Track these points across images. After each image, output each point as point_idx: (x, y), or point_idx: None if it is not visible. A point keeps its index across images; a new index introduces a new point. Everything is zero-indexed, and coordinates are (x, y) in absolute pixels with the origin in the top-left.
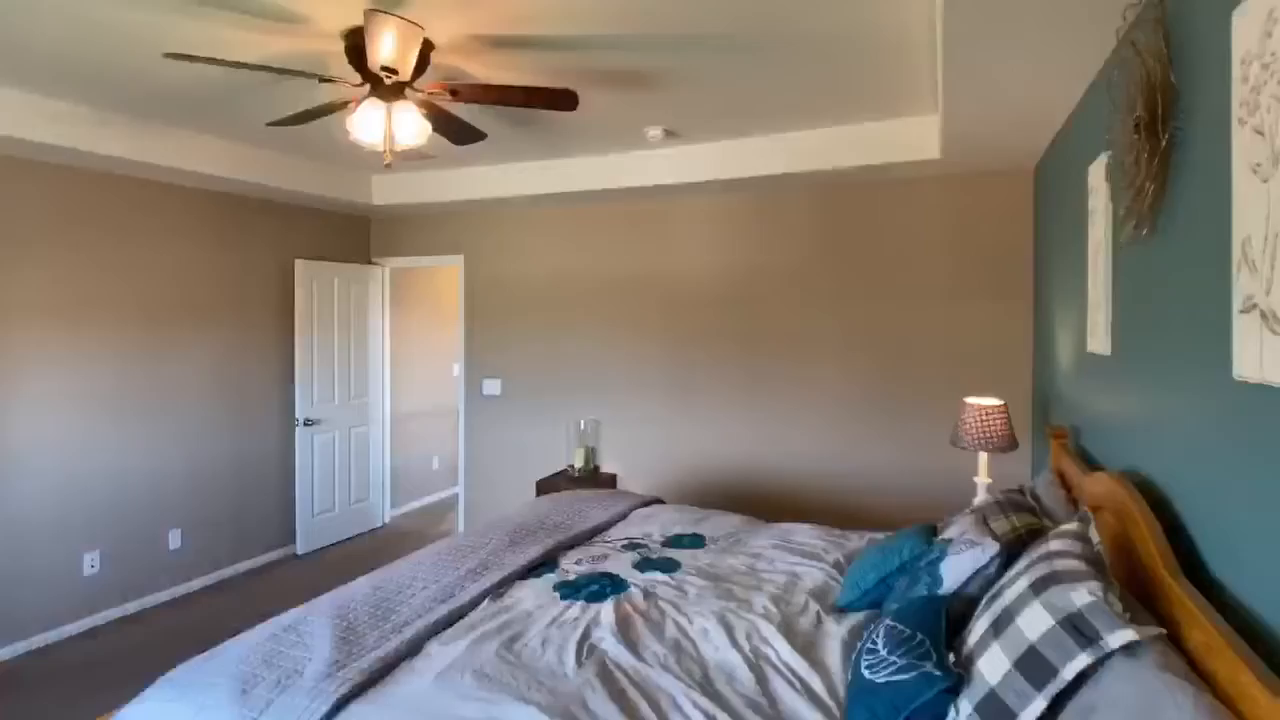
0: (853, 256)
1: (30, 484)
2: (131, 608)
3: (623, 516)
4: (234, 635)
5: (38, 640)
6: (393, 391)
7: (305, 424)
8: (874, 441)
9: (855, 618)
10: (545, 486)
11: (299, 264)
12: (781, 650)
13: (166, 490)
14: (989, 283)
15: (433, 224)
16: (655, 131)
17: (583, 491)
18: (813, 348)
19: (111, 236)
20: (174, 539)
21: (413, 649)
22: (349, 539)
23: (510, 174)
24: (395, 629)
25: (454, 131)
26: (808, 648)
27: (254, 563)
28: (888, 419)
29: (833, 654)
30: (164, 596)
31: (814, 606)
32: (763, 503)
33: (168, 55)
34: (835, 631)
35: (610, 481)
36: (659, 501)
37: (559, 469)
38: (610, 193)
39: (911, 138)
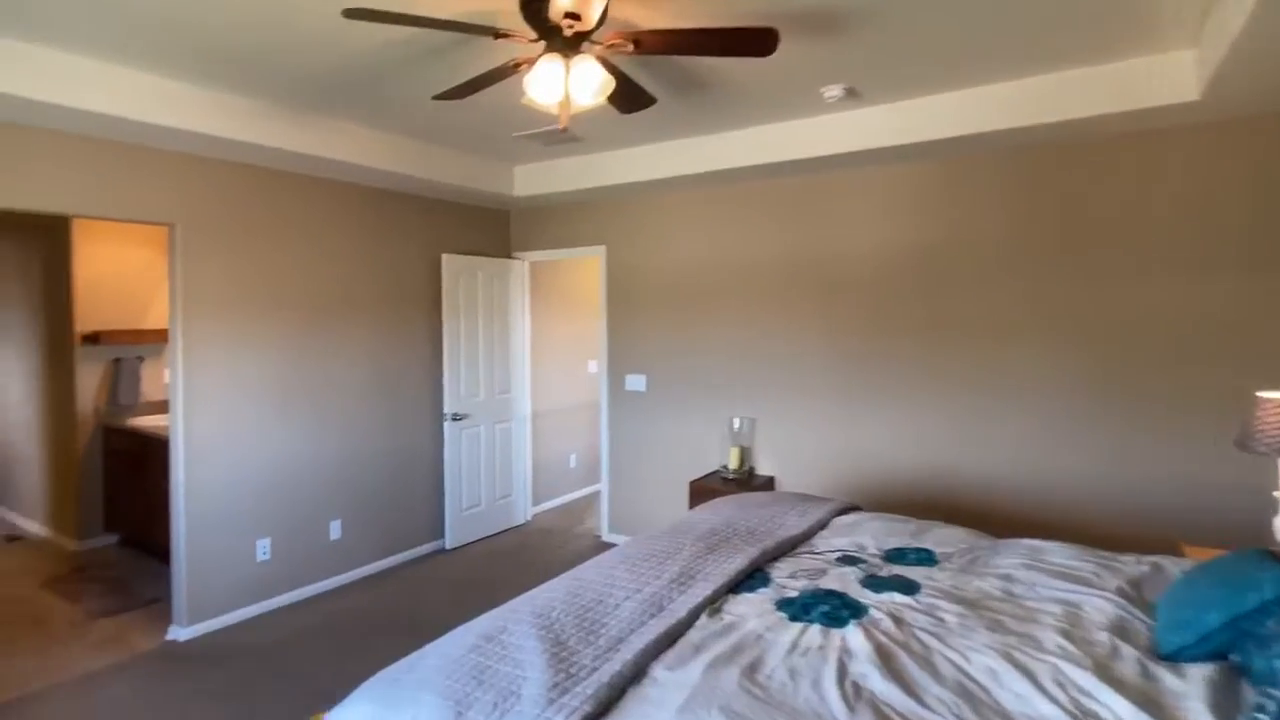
0: (1060, 228)
1: (212, 471)
2: (299, 595)
3: (822, 525)
4: (398, 630)
5: (217, 622)
6: (533, 387)
7: (454, 419)
8: (1096, 444)
9: (1203, 670)
10: (699, 489)
11: (446, 258)
12: (1117, 707)
13: (328, 481)
14: (1250, 252)
15: (573, 215)
16: (834, 91)
17: (758, 494)
18: (1011, 335)
19: (276, 232)
20: (335, 530)
21: (636, 672)
22: (493, 535)
23: (658, 155)
24: (610, 646)
25: (625, 96)
26: (1150, 705)
27: (406, 556)
28: (1116, 417)
29: (1195, 717)
30: (327, 585)
31: (1127, 649)
32: (952, 513)
33: (347, 13)
34: (1181, 687)
35: (768, 485)
36: (856, 508)
37: (710, 470)
38: (769, 168)
39: (1153, 80)
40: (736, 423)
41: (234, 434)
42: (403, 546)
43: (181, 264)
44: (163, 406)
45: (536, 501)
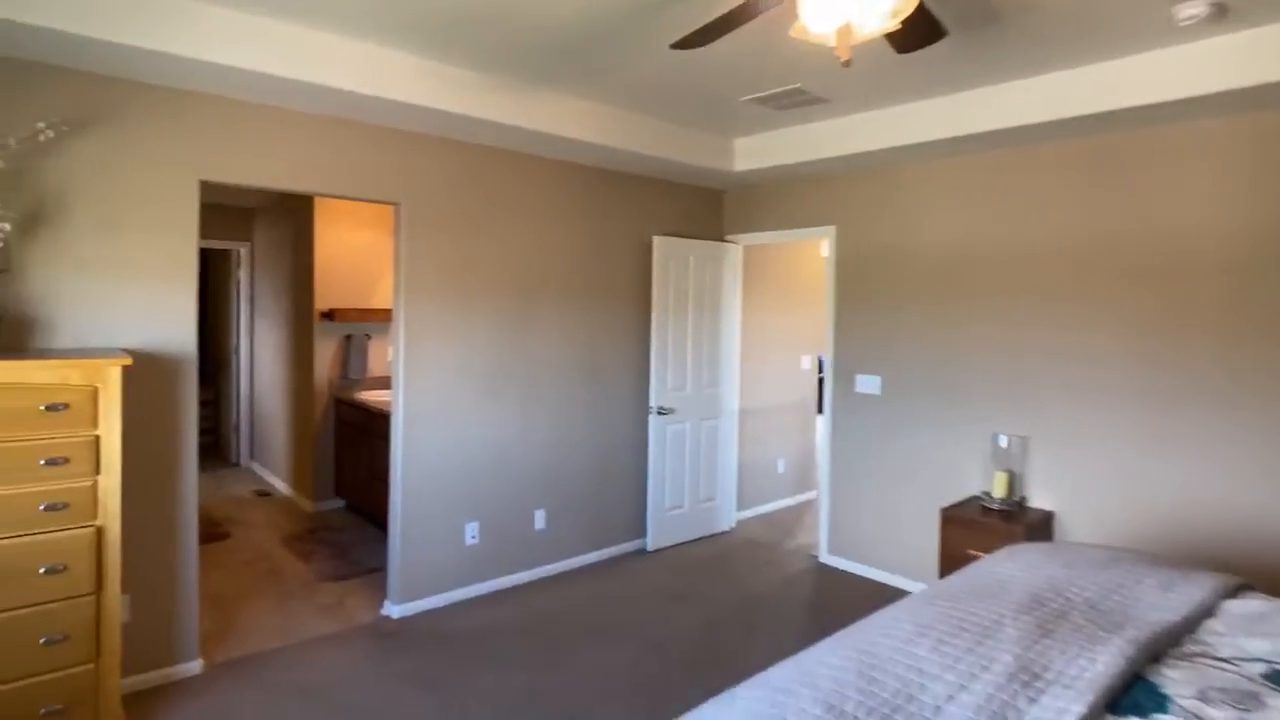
0: None
1: (428, 449)
2: (504, 583)
3: (1207, 611)
4: (602, 635)
5: (427, 603)
6: (741, 383)
7: (659, 412)
8: None
9: None
10: (956, 520)
11: (657, 240)
12: None
13: (533, 469)
14: None
15: (798, 192)
16: (1194, 8)
17: (1084, 548)
18: None
19: (491, 212)
20: (539, 519)
21: None
22: (696, 540)
23: (914, 116)
24: None
25: (914, 25)
26: None
27: (607, 553)
28: None
29: None
30: (530, 576)
31: None
32: None
33: None
34: None
35: (1044, 521)
36: (1248, 588)
37: (965, 496)
38: (1070, 125)
39: None
40: (1004, 441)
41: (448, 414)
42: (604, 543)
43: (406, 242)
44: (385, 382)
45: (741, 507)
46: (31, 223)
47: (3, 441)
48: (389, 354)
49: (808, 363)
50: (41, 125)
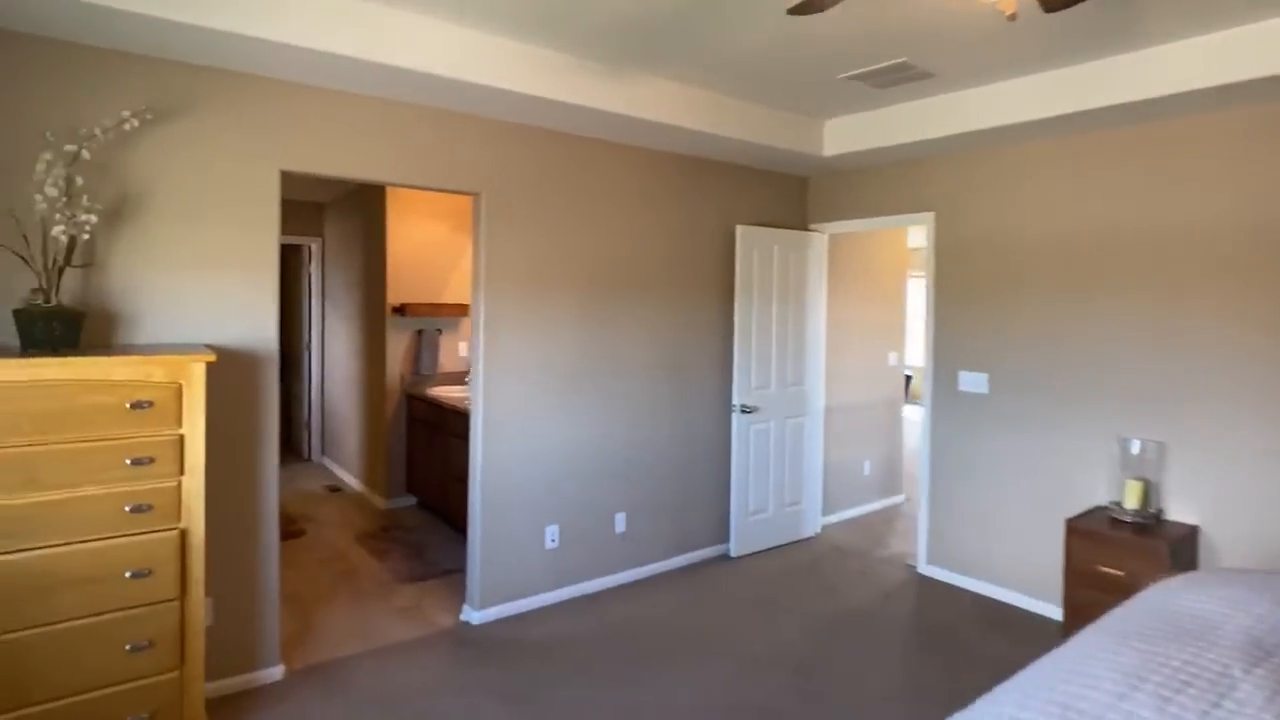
0: None
1: (507, 448)
2: (584, 589)
3: None
4: (688, 648)
5: (508, 608)
6: (825, 380)
7: (742, 411)
8: None
9: None
10: (1082, 532)
11: (740, 230)
12: None
13: (614, 470)
14: None
15: (892, 176)
16: None
17: None
18: None
19: (571, 203)
20: (620, 523)
21: None
22: (780, 546)
23: (1034, 89)
24: None
25: None
26: None
27: (689, 559)
28: None
29: None
30: (610, 582)
31: None
32: None
33: None
34: None
35: (1187, 537)
36: None
37: (1090, 505)
38: (1232, 91)
39: None
40: (1136, 446)
41: (528, 413)
42: (686, 548)
43: (485, 234)
44: (456, 378)
45: (825, 511)
46: (115, 216)
47: (90, 440)
48: (460, 349)
49: (894, 359)
50: (126, 114)
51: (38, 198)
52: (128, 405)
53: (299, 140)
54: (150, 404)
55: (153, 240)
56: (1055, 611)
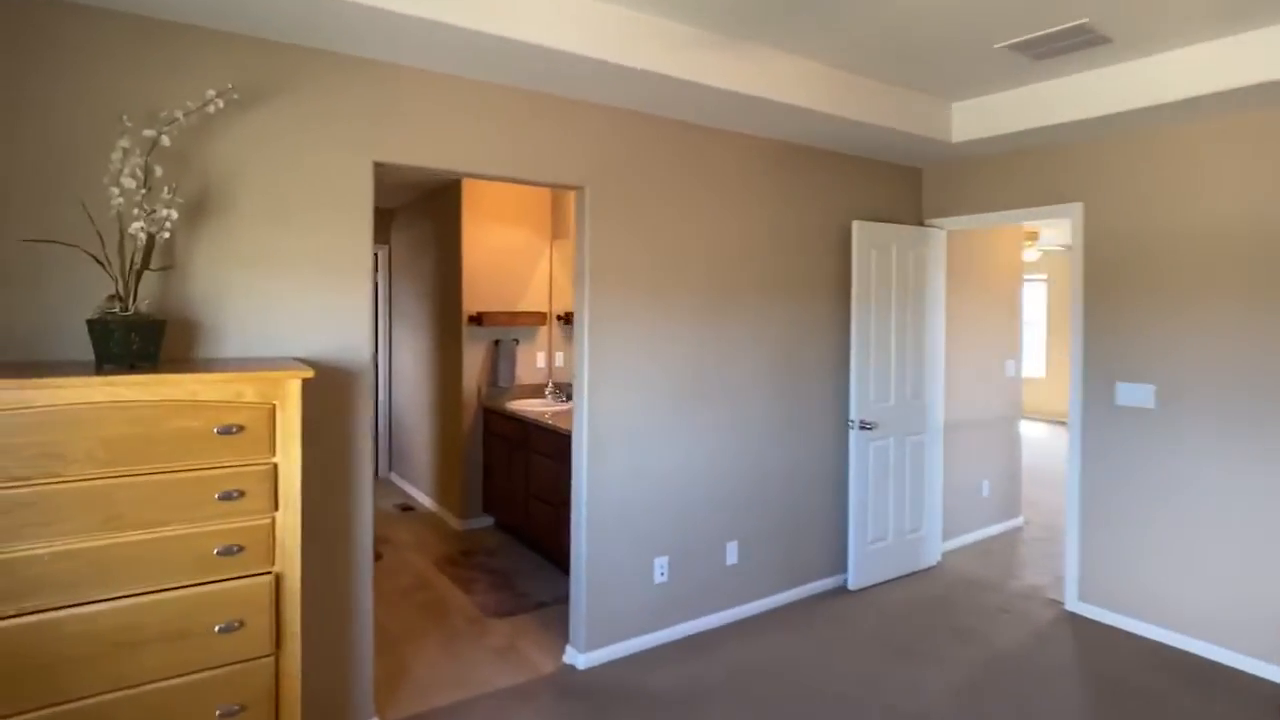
0: None
1: (612, 471)
2: (695, 626)
3: None
4: (815, 699)
5: (616, 650)
6: (946, 392)
7: (861, 427)
8: None
9: None
10: None
11: (857, 226)
12: None
13: (725, 494)
14: None
15: (1027, 164)
16: None
17: None
18: None
19: (679, 198)
20: (731, 553)
21: None
22: (902, 578)
23: (1220, 55)
24: None
25: None
26: None
27: (805, 591)
28: None
29: None
30: (723, 618)
31: None
32: None
33: None
34: None
35: None
36: None
37: None
38: None
39: None
40: None
41: (634, 430)
42: (801, 579)
43: (590, 232)
44: (535, 390)
45: (943, 537)
46: (196, 212)
47: (177, 471)
48: (538, 360)
49: (1011, 367)
50: (211, 94)
51: (114, 190)
52: (215, 430)
53: (394, 128)
54: (240, 429)
55: (236, 240)
56: (1277, 674)
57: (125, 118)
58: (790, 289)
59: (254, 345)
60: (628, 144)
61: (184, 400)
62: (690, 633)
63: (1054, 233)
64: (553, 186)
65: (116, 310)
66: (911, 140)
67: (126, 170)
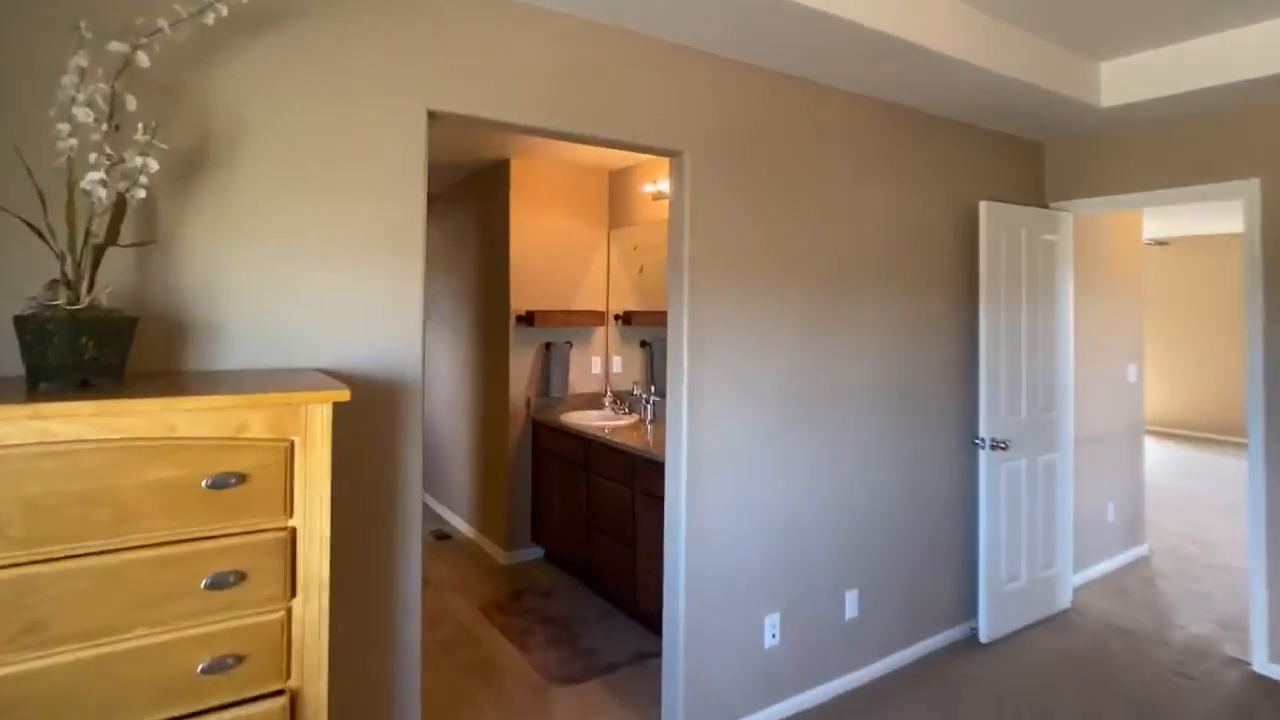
0: None
1: (715, 512)
2: (811, 697)
3: None
4: None
5: None
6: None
7: (992, 447)
8: None
9: None
10: None
11: (985, 208)
12: None
13: (841, 530)
14: None
15: (1185, 134)
16: None
17: None
18: None
19: (788, 170)
20: (850, 604)
21: None
22: (1035, 624)
23: None
24: None
25: None
26: None
27: (931, 645)
28: None
29: None
30: (843, 685)
31: None
32: None
33: None
34: None
35: None
36: None
37: None
38: None
39: None
40: None
41: (739, 456)
42: (926, 631)
43: (689, 210)
44: (591, 400)
45: (1074, 568)
46: (189, 168)
47: (142, 547)
48: (593, 366)
49: (1133, 372)
50: None
51: (61, 128)
52: (204, 483)
53: (450, 70)
54: (242, 479)
55: (243, 208)
56: None
57: (84, 25)
58: (909, 283)
59: (265, 352)
60: (734, 101)
61: (156, 439)
62: (806, 706)
63: (1155, 224)
64: (645, 150)
65: (61, 302)
66: (1053, 105)
67: (82, 98)
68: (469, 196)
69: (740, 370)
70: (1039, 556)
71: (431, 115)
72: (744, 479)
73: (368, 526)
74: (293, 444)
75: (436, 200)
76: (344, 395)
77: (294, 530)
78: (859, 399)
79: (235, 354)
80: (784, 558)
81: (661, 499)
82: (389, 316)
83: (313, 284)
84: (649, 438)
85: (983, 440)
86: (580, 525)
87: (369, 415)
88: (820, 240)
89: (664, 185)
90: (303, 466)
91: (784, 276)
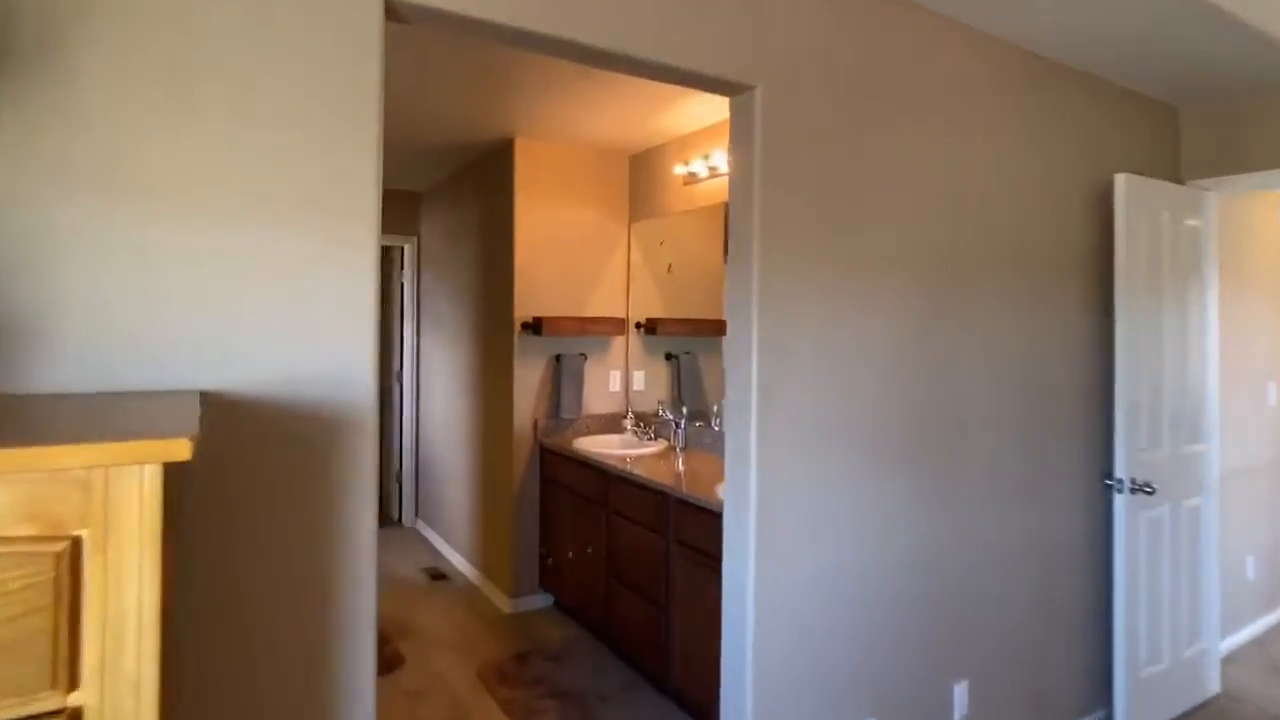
0: None
1: (787, 581)
2: None
3: None
4: None
5: None
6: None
7: (1131, 490)
8: None
9: None
10: None
11: (1122, 183)
12: None
13: (947, 608)
14: None
15: None
16: None
17: None
18: None
19: (878, 125)
20: (959, 700)
21: None
22: (1181, 717)
23: None
24: None
25: None
26: None
27: None
28: None
29: None
30: None
31: None
32: None
33: None
34: None
35: None
36: None
37: None
38: None
39: None
40: None
41: (819, 507)
42: None
43: (761, 169)
44: (606, 423)
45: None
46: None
47: None
48: (611, 382)
49: (1275, 394)
50: None
51: None
52: None
53: None
54: None
55: (84, 136)
56: None
57: None
58: (1029, 278)
59: (123, 365)
60: (826, 28)
61: None
62: None
63: None
64: (698, 83)
65: None
66: (1232, 45)
67: None
68: (467, 187)
69: (824, 395)
70: (1183, 630)
71: (391, 9)
72: (829, 538)
73: (277, 663)
74: (76, 544)
75: (431, 195)
76: (179, 450)
77: (78, 712)
78: (968, 432)
79: (69, 367)
80: (875, 641)
81: (706, 554)
82: (328, 308)
83: (205, 260)
84: (680, 470)
85: (1119, 482)
86: (597, 573)
87: (294, 462)
88: (923, 220)
89: (698, 166)
90: (99, 586)
91: (878, 268)
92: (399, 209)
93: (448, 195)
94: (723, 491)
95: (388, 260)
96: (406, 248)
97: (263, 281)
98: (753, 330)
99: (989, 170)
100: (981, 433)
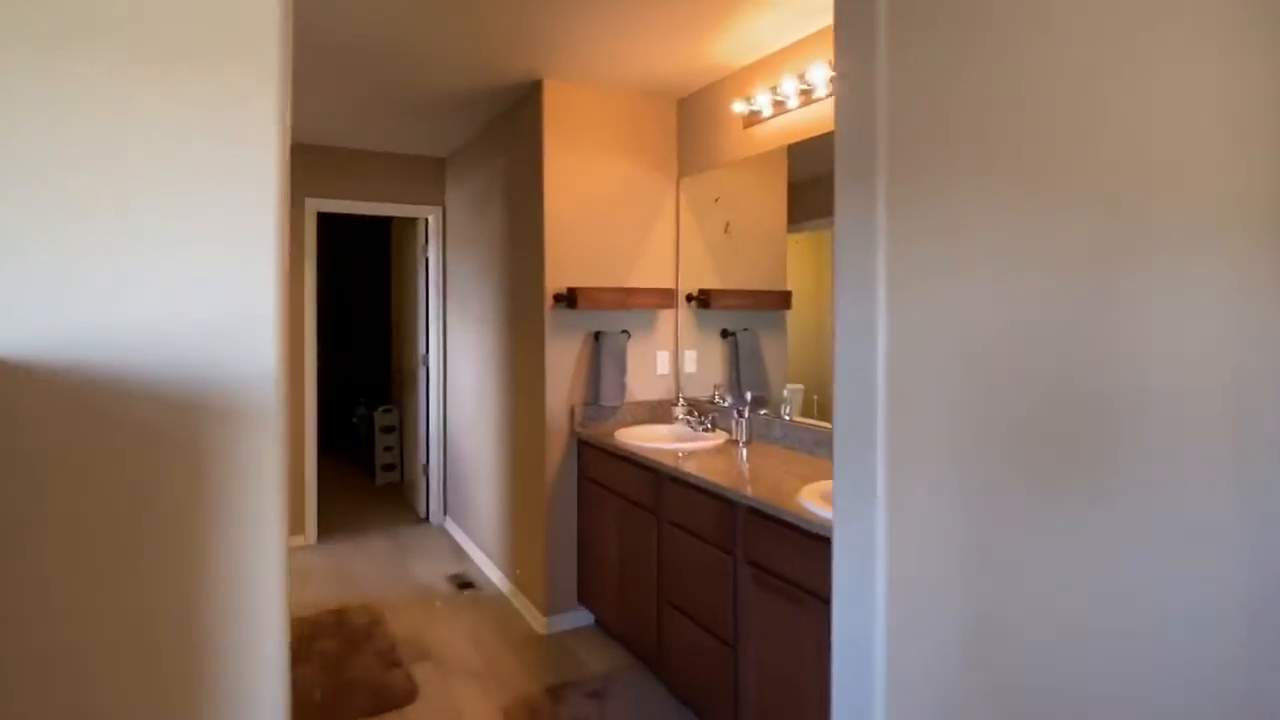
0: None
1: (918, 630)
2: None
3: None
4: None
5: None
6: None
7: None
8: None
9: None
10: None
11: None
12: None
13: (1140, 680)
14: None
15: None
16: None
17: None
18: None
19: (1019, 24)
20: None
21: None
22: None
23: None
24: None
25: None
26: None
27: None
28: None
29: None
30: None
31: None
32: None
33: None
34: None
35: None
36: None
37: None
38: None
39: None
40: None
41: (972, 541)
42: None
43: (886, 34)
44: (657, 411)
45: None
46: None
47: None
48: (659, 364)
49: None
50: None
51: None
52: None
53: None
54: None
55: None
56: None
57: None
58: (1251, 219)
59: None
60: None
61: None
62: None
63: None
64: None
65: None
66: None
67: None
68: (492, 147)
69: (964, 384)
70: None
71: None
72: (977, 595)
73: None
74: None
75: (455, 160)
76: None
77: None
78: (1166, 436)
79: None
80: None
81: (787, 580)
82: (200, 219)
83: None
84: (746, 470)
85: None
86: (646, 593)
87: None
88: (1110, 137)
89: (761, 101)
90: None
91: (1038, 206)
92: (421, 176)
93: (473, 158)
94: (808, 499)
95: (410, 234)
96: (430, 219)
97: (67, 167)
98: (878, 289)
99: (1199, 66)
100: (1186, 437)
